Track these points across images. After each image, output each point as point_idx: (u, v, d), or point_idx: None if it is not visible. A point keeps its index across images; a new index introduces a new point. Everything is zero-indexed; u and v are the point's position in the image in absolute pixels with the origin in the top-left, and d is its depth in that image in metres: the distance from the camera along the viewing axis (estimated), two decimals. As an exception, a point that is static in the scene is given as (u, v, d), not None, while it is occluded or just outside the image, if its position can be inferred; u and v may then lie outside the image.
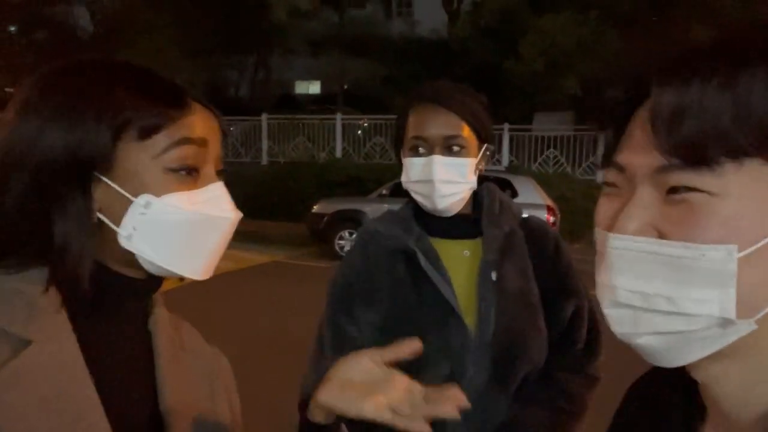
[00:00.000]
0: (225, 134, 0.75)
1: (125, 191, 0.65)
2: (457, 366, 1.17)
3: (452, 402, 0.67)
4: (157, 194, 0.66)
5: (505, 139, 12.65)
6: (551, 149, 12.50)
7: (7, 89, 12.78)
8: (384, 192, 9.15)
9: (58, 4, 15.54)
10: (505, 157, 12.66)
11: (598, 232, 0.52)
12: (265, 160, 14.09)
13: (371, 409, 0.67)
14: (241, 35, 18.47)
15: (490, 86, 9.67)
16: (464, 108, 1.21)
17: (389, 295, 1.23)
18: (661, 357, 0.49)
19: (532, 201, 7.94)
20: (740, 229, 0.43)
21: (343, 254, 1.71)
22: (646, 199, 0.47)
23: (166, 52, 13.71)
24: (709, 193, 0.44)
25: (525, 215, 1.36)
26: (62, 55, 0.72)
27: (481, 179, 1.30)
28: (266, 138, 14.17)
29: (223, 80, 22.19)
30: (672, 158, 0.45)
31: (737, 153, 0.43)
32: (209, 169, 0.71)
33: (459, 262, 1.25)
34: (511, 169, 10.33)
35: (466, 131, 1.21)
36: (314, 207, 9.33)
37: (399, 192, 7.44)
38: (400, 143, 1.28)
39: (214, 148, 0.72)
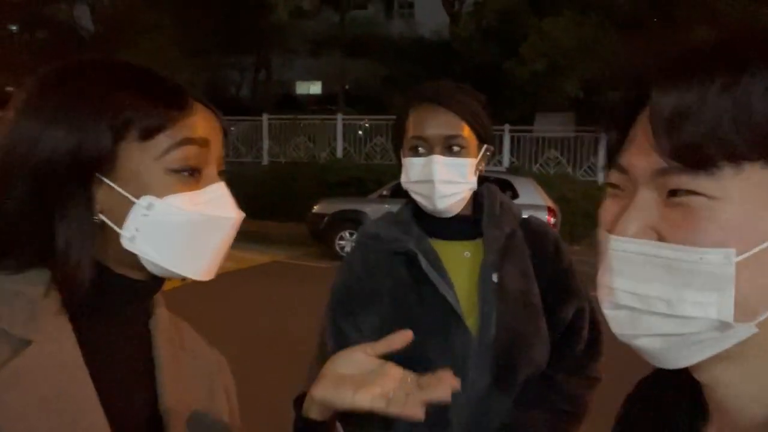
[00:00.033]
0: (226, 134, 0.75)
1: (127, 192, 0.65)
2: (459, 368, 1.16)
3: (445, 385, 0.68)
4: (160, 195, 0.66)
5: (505, 140, 12.64)
6: (552, 150, 12.49)
7: (7, 88, 12.80)
8: (385, 192, 9.15)
9: (59, 3, 15.56)
10: (506, 158, 12.65)
11: (601, 234, 0.52)
12: (265, 160, 14.09)
13: (366, 399, 0.67)
14: (242, 35, 18.47)
15: (491, 87, 9.67)
16: (464, 108, 1.20)
17: (390, 297, 1.23)
18: (661, 358, 0.49)
19: (533, 202, 7.94)
20: (739, 233, 0.43)
21: (344, 254, 1.70)
22: (646, 201, 0.47)
23: (167, 51, 13.72)
24: (708, 196, 0.44)
25: (525, 216, 1.35)
26: (63, 54, 0.72)
27: (482, 180, 1.30)
28: (267, 138, 14.17)
29: (224, 80, 22.20)
30: (672, 161, 0.45)
31: (737, 157, 0.43)
32: (211, 169, 0.71)
33: (459, 264, 1.24)
34: (512, 170, 10.34)
35: (467, 131, 1.21)
36: (315, 207, 9.33)
37: (400, 193, 7.43)
38: (400, 143, 1.27)
39: (216, 149, 0.72)
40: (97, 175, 0.65)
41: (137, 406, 0.71)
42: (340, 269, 1.33)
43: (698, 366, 0.49)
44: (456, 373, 1.19)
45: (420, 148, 1.21)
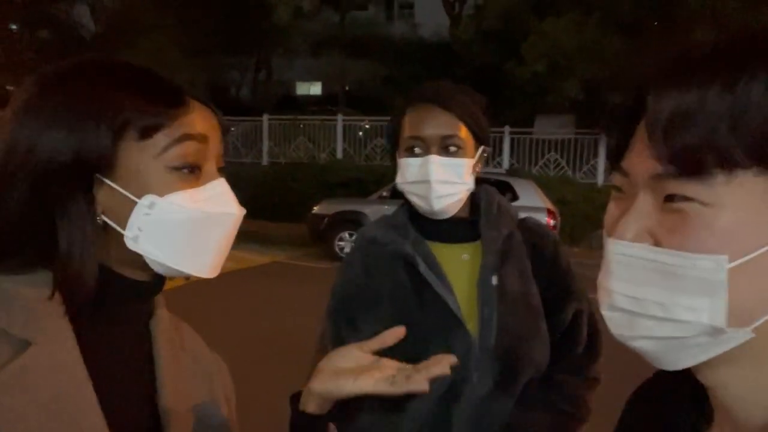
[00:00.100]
0: (225, 132, 0.75)
1: (128, 192, 0.65)
2: (461, 372, 1.15)
3: (444, 362, 0.71)
4: (161, 194, 0.66)
5: (505, 142, 12.64)
6: (552, 152, 12.49)
7: (8, 87, 12.80)
8: (384, 193, 9.15)
9: (60, 2, 15.57)
10: (506, 160, 12.64)
11: (604, 236, 0.52)
12: (266, 160, 14.09)
13: (369, 382, 0.70)
14: (243, 36, 18.50)
15: (491, 89, 9.66)
16: (462, 108, 1.19)
17: (390, 300, 1.22)
18: (660, 360, 0.49)
19: (533, 204, 7.94)
20: (732, 240, 0.44)
21: (343, 255, 1.70)
22: (645, 205, 0.48)
23: (167, 51, 13.71)
24: (702, 202, 0.44)
25: (522, 216, 1.35)
26: (63, 53, 0.72)
27: (482, 182, 1.29)
28: (267, 138, 14.17)
29: (225, 81, 22.22)
30: (668, 166, 0.45)
31: (730, 164, 0.43)
32: (211, 166, 0.71)
33: (458, 267, 1.24)
34: (512, 172, 10.32)
35: (464, 132, 1.20)
36: (315, 208, 9.33)
37: (400, 194, 7.40)
38: (396, 144, 1.25)
39: (215, 145, 0.72)
40: (97, 175, 0.65)
41: (137, 406, 0.71)
42: (339, 270, 1.33)
43: (699, 368, 0.49)
44: (457, 376, 1.18)
45: (416, 149, 1.20)
